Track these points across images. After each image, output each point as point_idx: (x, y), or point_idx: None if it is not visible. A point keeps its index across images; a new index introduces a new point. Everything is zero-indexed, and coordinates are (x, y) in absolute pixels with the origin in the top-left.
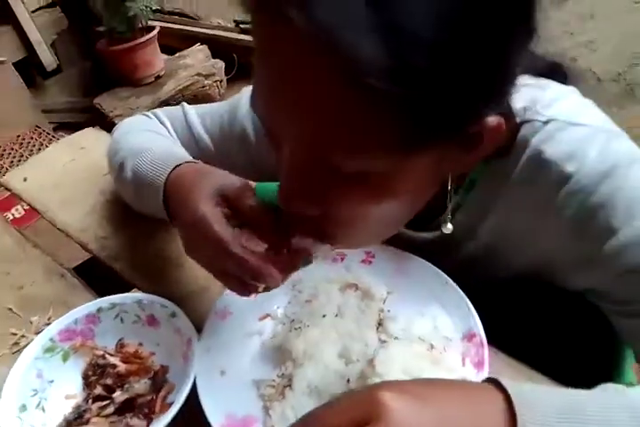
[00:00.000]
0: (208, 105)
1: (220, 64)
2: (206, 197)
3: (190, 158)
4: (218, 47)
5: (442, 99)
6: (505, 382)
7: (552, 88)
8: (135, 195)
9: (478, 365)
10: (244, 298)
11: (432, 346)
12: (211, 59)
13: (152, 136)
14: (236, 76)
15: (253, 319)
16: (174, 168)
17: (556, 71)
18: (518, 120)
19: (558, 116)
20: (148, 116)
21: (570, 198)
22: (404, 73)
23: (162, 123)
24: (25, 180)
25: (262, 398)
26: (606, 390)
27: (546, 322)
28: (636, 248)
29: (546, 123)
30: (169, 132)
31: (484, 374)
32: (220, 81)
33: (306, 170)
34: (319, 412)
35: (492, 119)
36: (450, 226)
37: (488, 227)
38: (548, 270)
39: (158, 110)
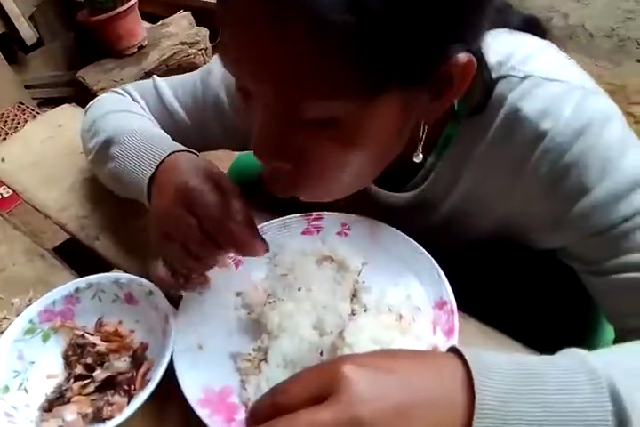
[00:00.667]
0: (179, 76)
1: (205, 31)
2: (195, 174)
3: (177, 146)
4: (201, 14)
5: (401, 35)
6: (464, 350)
7: (528, 42)
8: (114, 179)
9: (449, 332)
10: (220, 271)
11: (401, 316)
12: (195, 26)
13: (131, 118)
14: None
15: (230, 294)
16: (161, 162)
17: (533, 26)
18: (494, 75)
19: (535, 72)
20: (119, 93)
21: (544, 156)
22: (360, 9)
23: (134, 99)
24: (2, 160)
25: (239, 372)
26: (566, 356)
27: (518, 286)
28: (606, 209)
29: (523, 79)
30: (143, 108)
31: (454, 341)
32: (205, 49)
33: (277, 123)
34: (285, 385)
35: (462, 56)
36: (420, 155)
37: (463, 186)
38: (519, 231)
39: (129, 86)
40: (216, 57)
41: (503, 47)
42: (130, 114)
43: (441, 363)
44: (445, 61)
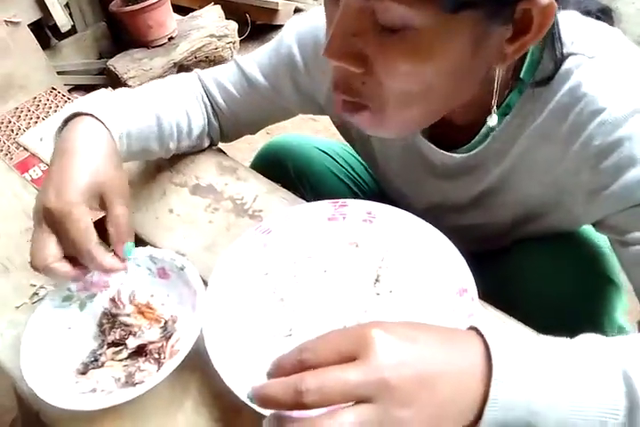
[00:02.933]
0: (256, 49)
1: (234, 25)
2: (79, 194)
3: (99, 114)
4: (231, 7)
5: None
6: (483, 328)
7: (601, 27)
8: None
9: (469, 317)
10: (248, 253)
11: (422, 300)
12: (224, 19)
13: (134, 93)
14: (250, 37)
15: (258, 274)
16: (66, 121)
17: (605, 14)
18: (565, 51)
19: (604, 54)
20: (198, 75)
21: (599, 128)
22: None
23: (214, 77)
24: (41, 139)
25: (265, 347)
26: (582, 340)
27: (535, 277)
28: None
29: (592, 58)
30: (219, 85)
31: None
32: (234, 42)
33: (354, 22)
34: (313, 343)
35: None
36: (495, 118)
37: (515, 154)
38: (559, 205)
39: (213, 69)
40: (291, 20)
41: (576, 26)
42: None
43: (463, 338)
44: None
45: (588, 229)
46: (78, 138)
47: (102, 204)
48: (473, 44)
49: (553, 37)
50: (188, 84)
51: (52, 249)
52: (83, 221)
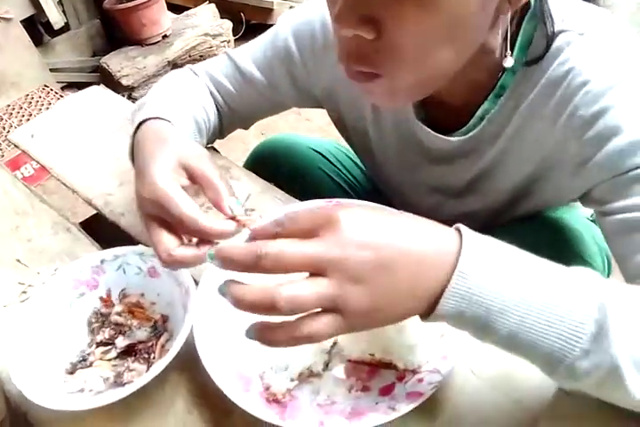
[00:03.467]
0: (249, 42)
1: (228, 24)
2: (164, 171)
3: (155, 114)
4: (226, 6)
5: None
6: (466, 229)
7: (590, 7)
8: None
9: None
10: None
11: None
12: (218, 18)
13: (165, 90)
14: (244, 36)
15: (250, 273)
16: (140, 124)
17: None
18: (556, 29)
19: (593, 30)
20: (192, 70)
21: (585, 97)
22: None
23: (207, 72)
24: (32, 136)
25: (256, 346)
26: (573, 269)
27: None
28: (635, 150)
29: (581, 35)
30: (213, 80)
31: None
32: (228, 41)
33: None
34: (284, 219)
35: None
36: (511, 58)
37: (509, 133)
38: (545, 179)
39: (200, 65)
40: (285, 13)
41: (566, 5)
42: (171, 89)
43: (439, 231)
44: None
45: (571, 216)
46: (150, 131)
47: (191, 178)
48: None
49: (544, 15)
50: (193, 79)
51: (168, 239)
52: (178, 197)
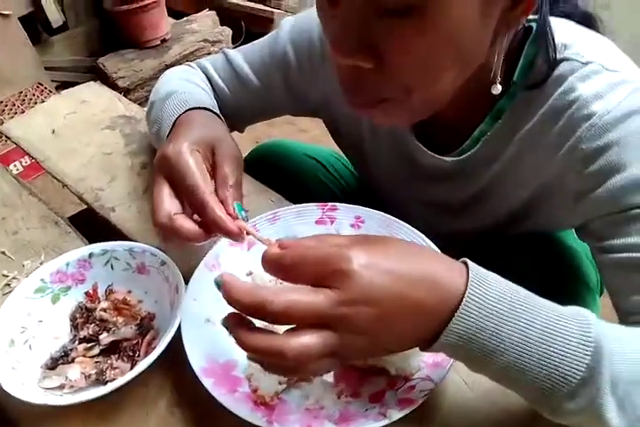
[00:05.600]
0: (248, 44)
1: (228, 31)
2: (196, 145)
3: (205, 104)
4: (226, 15)
5: None
6: (471, 264)
7: (592, 34)
8: (154, 136)
9: None
10: (235, 248)
11: None
12: (218, 25)
13: (185, 83)
14: (244, 45)
15: (240, 274)
16: (185, 111)
17: (590, 22)
18: (558, 56)
19: (597, 60)
20: (191, 66)
21: (588, 132)
22: None
23: (205, 72)
24: (25, 130)
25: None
26: (569, 308)
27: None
28: (636, 189)
29: (585, 64)
30: (210, 78)
31: None
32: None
33: (359, 13)
34: (297, 258)
35: None
36: (499, 86)
37: (506, 157)
38: (540, 205)
39: (203, 60)
40: (284, 19)
41: (569, 32)
42: (187, 82)
43: (447, 274)
44: None
45: (567, 234)
46: (200, 116)
47: (213, 163)
48: (479, 12)
49: (547, 41)
50: (199, 75)
51: (172, 203)
52: (198, 166)
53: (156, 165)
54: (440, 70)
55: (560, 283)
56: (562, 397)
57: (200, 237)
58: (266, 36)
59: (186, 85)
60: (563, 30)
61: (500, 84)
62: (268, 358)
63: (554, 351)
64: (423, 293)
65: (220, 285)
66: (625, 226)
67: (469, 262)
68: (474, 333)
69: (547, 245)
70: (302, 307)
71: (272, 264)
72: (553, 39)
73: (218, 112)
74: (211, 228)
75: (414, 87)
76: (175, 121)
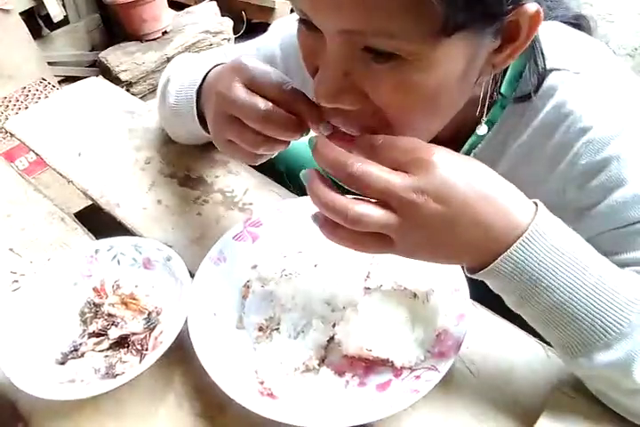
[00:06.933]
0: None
1: (229, 22)
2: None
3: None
4: (227, 5)
5: None
6: (541, 204)
7: (585, 39)
8: (173, 114)
9: (459, 317)
10: (238, 246)
11: (415, 295)
12: (219, 16)
13: (196, 59)
14: (245, 35)
15: (246, 267)
16: (213, 66)
17: (581, 23)
18: (548, 66)
19: (588, 69)
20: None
21: (586, 147)
22: None
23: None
24: (29, 126)
25: (251, 340)
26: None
27: None
28: (637, 203)
29: (577, 74)
30: None
31: (465, 325)
32: (228, 39)
33: (342, 57)
34: (387, 142)
35: (532, 6)
36: (484, 127)
37: (500, 171)
38: None
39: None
40: (273, 25)
41: (558, 39)
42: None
43: (518, 201)
44: (516, 8)
45: None
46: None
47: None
48: (466, 61)
49: (535, 51)
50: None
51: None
52: (275, 76)
53: (217, 112)
54: (417, 117)
55: None
56: (597, 347)
57: (297, 128)
58: (258, 38)
59: (198, 59)
60: (552, 37)
61: (485, 122)
62: (330, 214)
63: (603, 302)
64: (492, 211)
65: (312, 141)
66: (633, 240)
67: (539, 203)
68: (530, 264)
69: None
70: (377, 179)
71: (364, 143)
72: (541, 50)
73: None
74: (304, 116)
75: (400, 125)
76: (207, 73)
